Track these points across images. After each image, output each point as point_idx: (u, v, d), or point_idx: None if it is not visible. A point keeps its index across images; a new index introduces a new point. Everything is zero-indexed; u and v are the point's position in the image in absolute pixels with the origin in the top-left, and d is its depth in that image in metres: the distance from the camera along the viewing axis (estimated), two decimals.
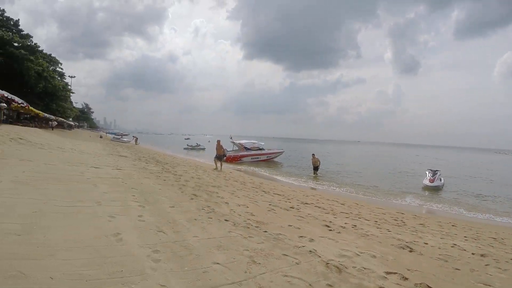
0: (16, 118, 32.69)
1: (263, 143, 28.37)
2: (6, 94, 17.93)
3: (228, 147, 26.65)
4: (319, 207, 7.92)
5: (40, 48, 36.42)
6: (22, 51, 32.10)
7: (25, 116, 33.46)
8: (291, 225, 5.17)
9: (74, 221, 3.78)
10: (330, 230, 5.30)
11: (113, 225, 3.79)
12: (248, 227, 4.63)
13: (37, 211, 3.93)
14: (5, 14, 34.17)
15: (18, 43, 32.55)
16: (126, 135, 68.07)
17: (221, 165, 15.52)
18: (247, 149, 26.19)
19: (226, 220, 4.88)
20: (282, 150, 30.00)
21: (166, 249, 3.22)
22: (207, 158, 24.99)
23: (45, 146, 12.84)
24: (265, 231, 4.52)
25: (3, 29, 31.30)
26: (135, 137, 42.28)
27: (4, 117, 21.99)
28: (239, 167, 21.72)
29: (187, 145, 46.10)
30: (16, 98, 20.16)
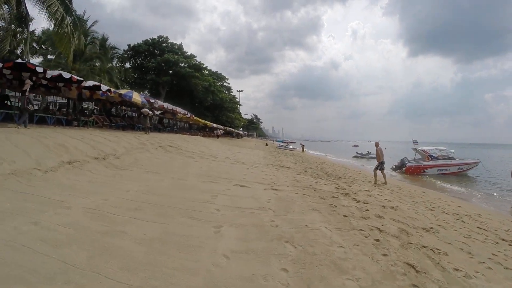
0: (188, 128, 38.60)
1: (453, 151, 21.30)
2: (165, 105, 19.88)
3: (407, 154, 21.86)
4: None
5: (204, 65, 41.68)
6: (188, 69, 37.56)
7: (196, 126, 38.82)
8: None
9: None
10: None
11: None
12: None
13: None
14: (169, 41, 40.87)
15: (184, 63, 38.27)
16: (292, 142, 70.30)
17: (384, 176, 11.15)
18: (433, 158, 20.05)
19: None
20: (477, 160, 21.79)
21: None
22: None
23: (195, 154, 12.23)
24: None
25: (170, 53, 37.60)
26: (302, 144, 41.59)
27: (165, 125, 25.19)
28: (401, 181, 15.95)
29: (357, 153, 42.23)
30: (179, 109, 22.28)
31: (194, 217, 3.97)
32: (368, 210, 5.70)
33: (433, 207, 7.44)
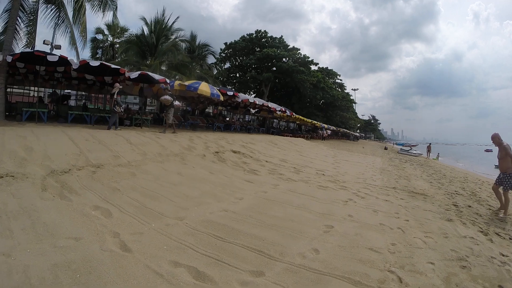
0: (297, 129, 35.40)
1: None
2: (252, 99, 16.33)
3: None
4: None
5: (310, 59, 37.09)
6: (291, 63, 33.75)
7: (310, 127, 35.62)
8: None
9: None
10: None
11: None
12: None
13: None
14: (269, 35, 37.29)
15: (287, 58, 34.53)
16: (415, 145, 57.16)
17: (507, 201, 5.58)
18: None
19: None
20: None
21: None
22: None
23: (266, 166, 8.28)
24: None
25: (270, 48, 34.15)
26: (429, 147, 30.21)
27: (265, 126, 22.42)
28: None
29: None
30: (273, 105, 18.88)
31: None
32: None
33: None
